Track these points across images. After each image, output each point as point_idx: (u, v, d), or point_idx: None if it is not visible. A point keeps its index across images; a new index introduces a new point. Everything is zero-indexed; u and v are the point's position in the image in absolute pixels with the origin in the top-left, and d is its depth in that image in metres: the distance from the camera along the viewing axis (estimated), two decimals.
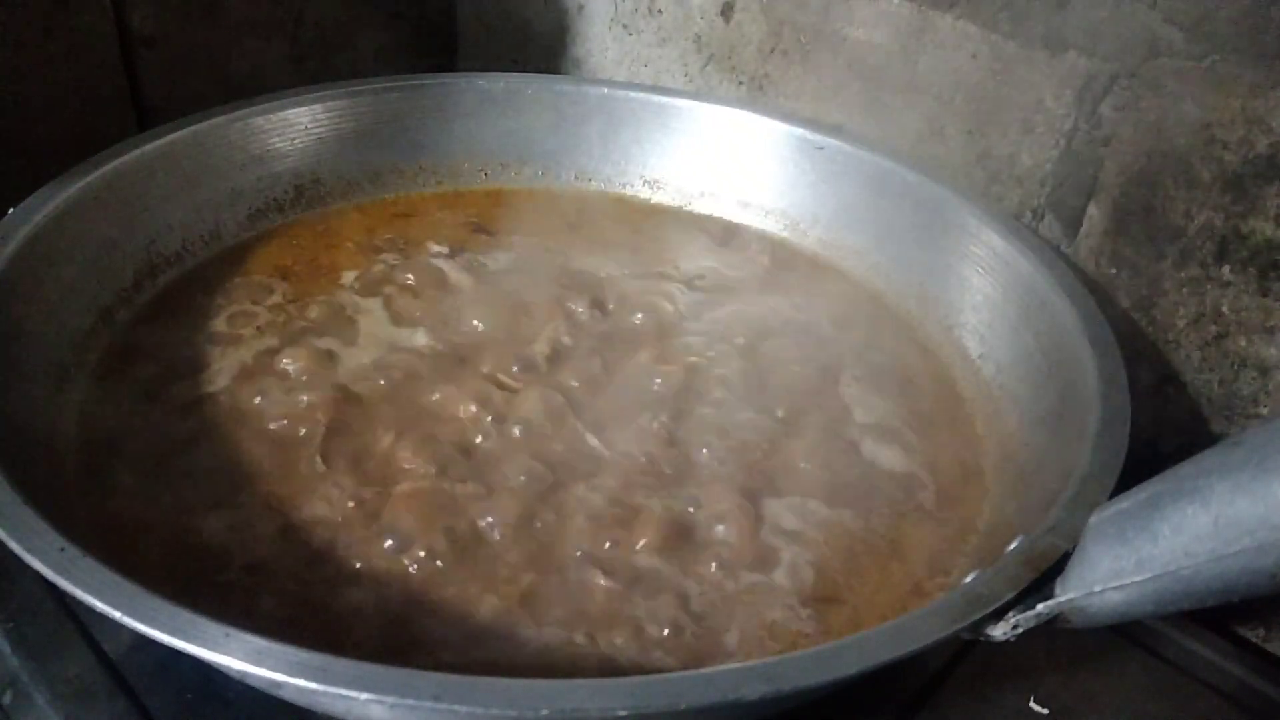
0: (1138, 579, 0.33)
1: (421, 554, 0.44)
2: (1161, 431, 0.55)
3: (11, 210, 0.52)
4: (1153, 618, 0.49)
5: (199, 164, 0.62)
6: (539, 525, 0.46)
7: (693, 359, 0.57)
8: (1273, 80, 0.48)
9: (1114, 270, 0.57)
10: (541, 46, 0.85)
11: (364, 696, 0.31)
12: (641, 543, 0.46)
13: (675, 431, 0.52)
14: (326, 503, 0.47)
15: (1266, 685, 0.48)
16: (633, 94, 0.73)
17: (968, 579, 0.38)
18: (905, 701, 0.46)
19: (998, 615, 0.36)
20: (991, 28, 0.60)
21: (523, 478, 0.48)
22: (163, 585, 0.34)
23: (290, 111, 0.66)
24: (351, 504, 0.46)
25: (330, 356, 0.55)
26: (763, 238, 0.70)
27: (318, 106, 0.68)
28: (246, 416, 0.51)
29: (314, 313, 0.59)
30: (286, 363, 0.54)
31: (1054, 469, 0.44)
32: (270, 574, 0.43)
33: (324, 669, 0.31)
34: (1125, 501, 0.35)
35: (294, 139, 0.67)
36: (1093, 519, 0.36)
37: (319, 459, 0.49)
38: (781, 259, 0.68)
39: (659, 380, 0.55)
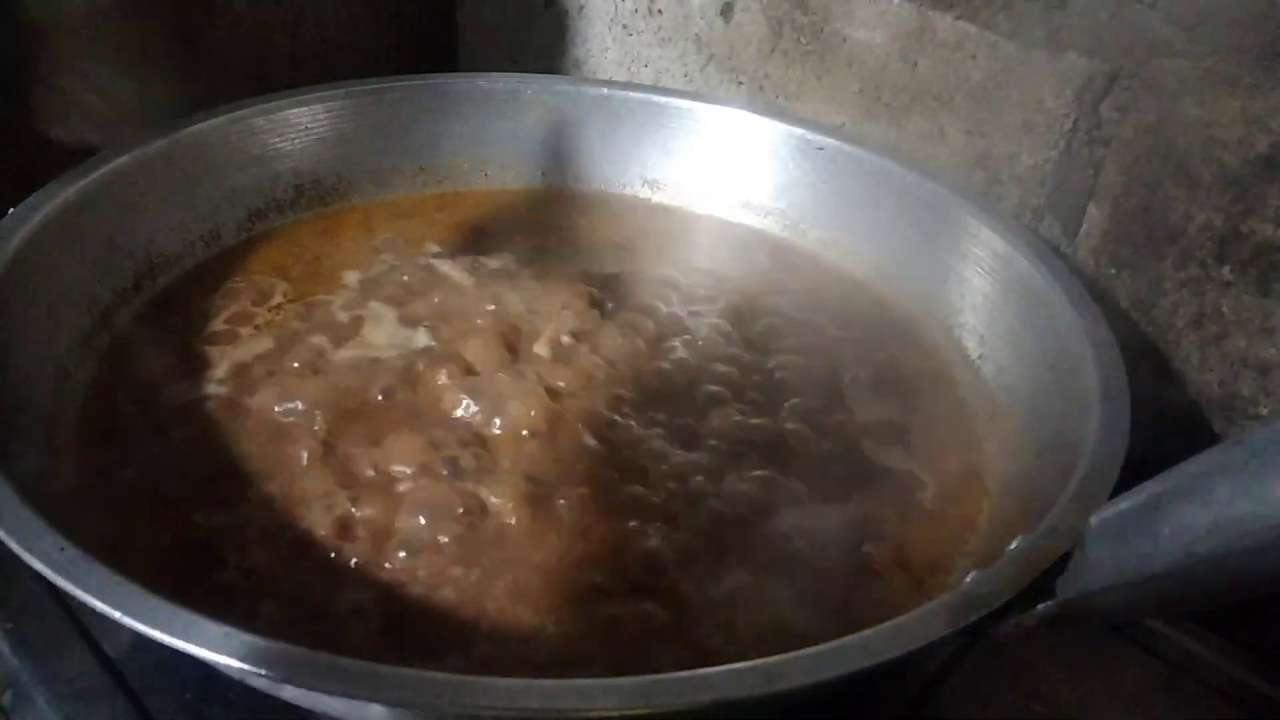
0: (1138, 579, 0.33)
1: (422, 555, 0.44)
2: (1161, 431, 0.55)
3: (11, 210, 0.52)
4: (1153, 618, 0.49)
5: (199, 164, 0.62)
6: (540, 527, 0.46)
7: (692, 359, 0.57)
8: (1273, 80, 0.48)
9: (1114, 270, 0.57)
10: (541, 46, 0.85)
11: (364, 696, 0.31)
12: (641, 547, 0.46)
13: (675, 431, 0.52)
14: (326, 503, 0.46)
15: (1266, 685, 0.48)
16: (633, 94, 0.73)
17: (968, 579, 0.38)
18: (905, 701, 0.46)
19: (998, 615, 0.36)
20: (991, 28, 0.60)
21: (524, 478, 0.48)
22: (162, 586, 0.34)
23: (290, 111, 0.66)
24: (352, 504, 0.46)
25: (330, 357, 0.55)
26: (763, 238, 0.70)
27: (318, 106, 0.68)
28: (246, 417, 0.51)
29: (314, 313, 0.59)
30: (286, 363, 0.54)
31: (1054, 469, 0.44)
32: (269, 576, 0.43)
33: (324, 669, 0.31)
34: (1125, 501, 0.35)
35: (294, 139, 0.67)
36: (1093, 519, 0.36)
37: (319, 459, 0.49)
38: (781, 259, 0.68)
39: (659, 381, 0.55)
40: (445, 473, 0.48)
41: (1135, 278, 0.56)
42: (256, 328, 0.57)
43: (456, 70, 0.90)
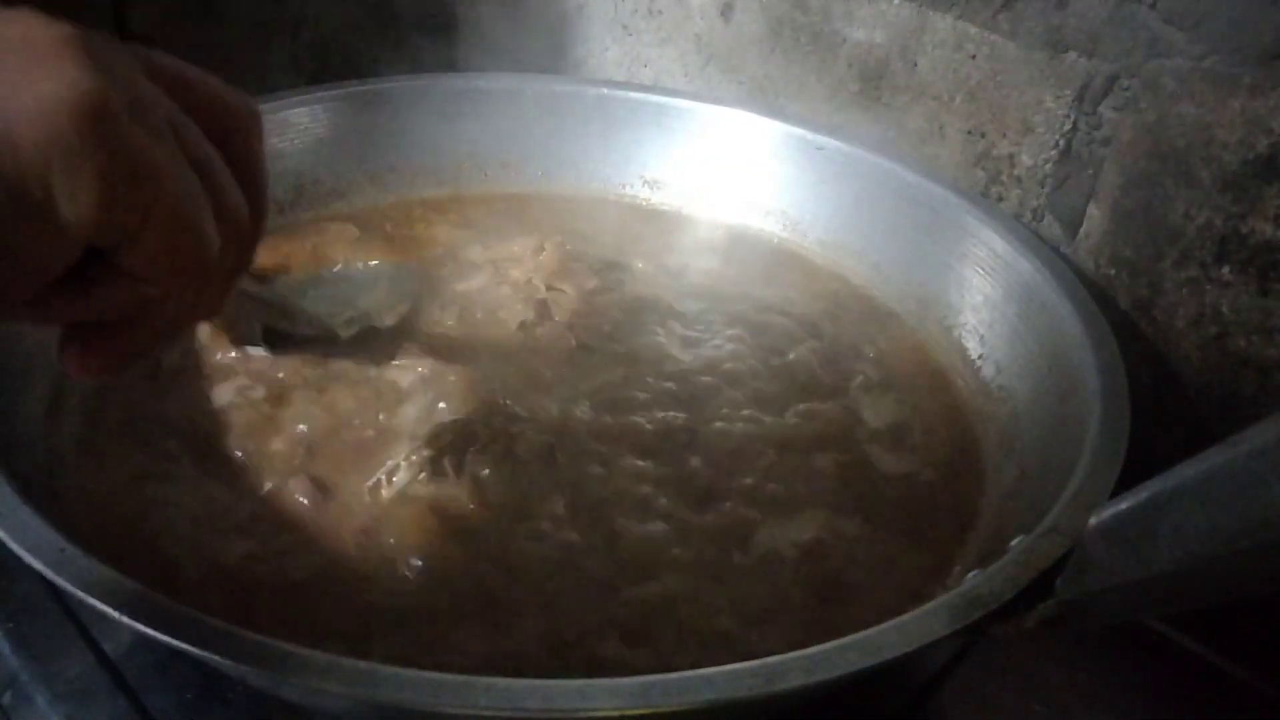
0: (1138, 579, 0.33)
1: (411, 564, 0.45)
2: (1161, 431, 0.55)
3: None
4: (1153, 618, 0.49)
5: None
6: (535, 536, 0.46)
7: (693, 360, 0.57)
8: (1273, 80, 0.48)
9: (1114, 270, 0.57)
10: (541, 46, 0.85)
11: (365, 696, 0.31)
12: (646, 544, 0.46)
13: (677, 432, 0.52)
14: (316, 501, 0.47)
15: (1266, 685, 0.48)
16: (633, 94, 0.73)
17: (968, 579, 0.38)
18: (905, 701, 0.46)
19: (998, 615, 0.36)
20: (991, 28, 0.60)
21: (522, 487, 0.48)
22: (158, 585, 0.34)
23: (290, 111, 0.66)
24: (356, 510, 0.46)
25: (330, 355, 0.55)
26: (763, 238, 0.70)
27: (318, 106, 0.68)
28: (245, 417, 0.51)
29: None
30: (286, 359, 0.54)
31: (1054, 469, 0.44)
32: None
33: (324, 668, 0.31)
34: (1125, 501, 0.35)
35: (294, 139, 0.67)
36: (1093, 519, 0.36)
37: (311, 456, 0.49)
38: (781, 259, 0.68)
39: (661, 383, 0.55)
40: (434, 473, 0.48)
41: (1135, 278, 0.56)
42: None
43: (456, 70, 0.90)
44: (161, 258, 0.30)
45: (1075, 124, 0.58)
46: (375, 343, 0.55)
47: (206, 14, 0.72)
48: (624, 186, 0.74)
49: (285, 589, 0.43)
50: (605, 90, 0.73)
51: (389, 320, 0.57)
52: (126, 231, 0.29)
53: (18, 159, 0.26)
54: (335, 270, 0.61)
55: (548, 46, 0.85)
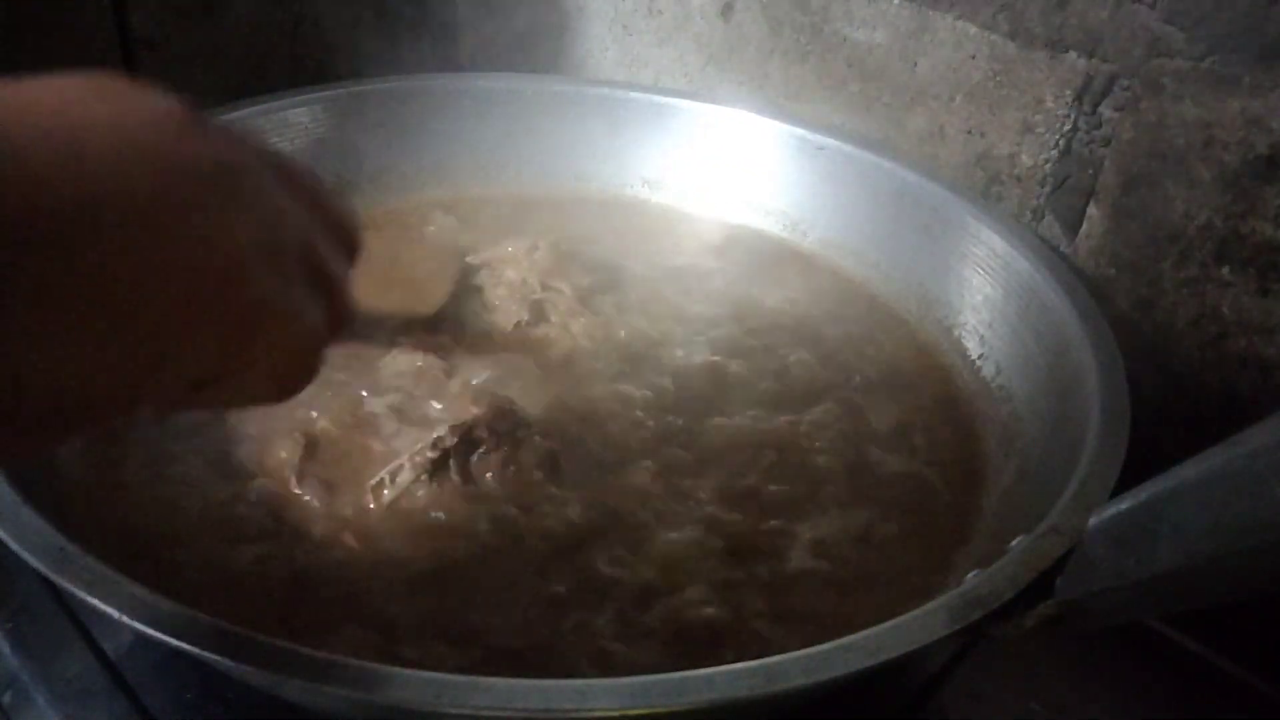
0: (1138, 579, 0.33)
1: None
2: (1161, 431, 0.55)
3: None
4: (1153, 618, 0.49)
5: None
6: (541, 538, 0.46)
7: (694, 361, 0.57)
8: (1273, 80, 0.49)
9: (1114, 270, 0.57)
10: (541, 46, 0.85)
11: (364, 696, 0.31)
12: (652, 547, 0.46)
13: (677, 434, 0.52)
14: (322, 511, 0.47)
15: (1266, 685, 0.48)
16: (633, 94, 0.73)
17: (968, 579, 0.38)
18: (905, 701, 0.46)
19: (998, 615, 0.36)
20: (991, 28, 0.60)
21: (525, 492, 0.48)
22: (158, 585, 0.34)
23: (290, 111, 0.66)
24: (357, 510, 0.46)
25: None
26: (763, 238, 0.70)
27: (318, 106, 0.68)
28: (247, 413, 0.51)
29: None
30: None
31: (1054, 469, 0.44)
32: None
33: (324, 668, 0.31)
34: (1125, 501, 0.35)
35: (294, 139, 0.67)
36: (1093, 519, 0.36)
37: (312, 454, 0.49)
38: (781, 259, 0.68)
39: (660, 383, 0.55)
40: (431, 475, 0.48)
41: (1135, 278, 0.56)
42: None
43: (457, 70, 0.90)
44: (269, 385, 0.31)
45: (1075, 124, 0.58)
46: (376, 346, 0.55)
47: (206, 14, 0.72)
48: (624, 186, 0.74)
49: (285, 588, 0.43)
50: (605, 90, 0.73)
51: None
52: (237, 367, 0.29)
53: (136, 309, 0.25)
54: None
55: (548, 46, 0.85)
